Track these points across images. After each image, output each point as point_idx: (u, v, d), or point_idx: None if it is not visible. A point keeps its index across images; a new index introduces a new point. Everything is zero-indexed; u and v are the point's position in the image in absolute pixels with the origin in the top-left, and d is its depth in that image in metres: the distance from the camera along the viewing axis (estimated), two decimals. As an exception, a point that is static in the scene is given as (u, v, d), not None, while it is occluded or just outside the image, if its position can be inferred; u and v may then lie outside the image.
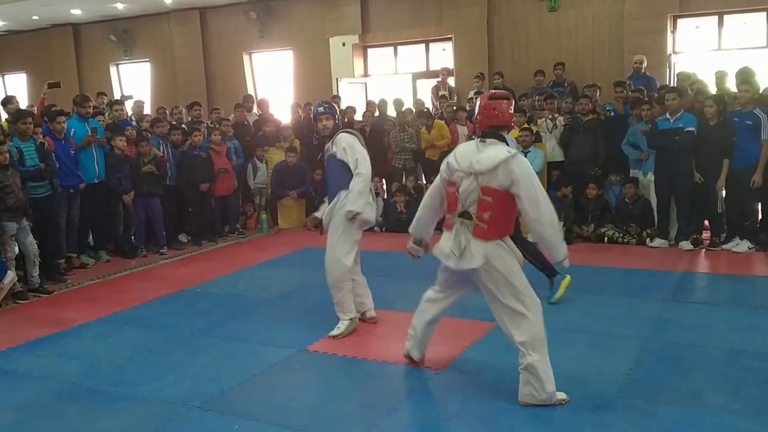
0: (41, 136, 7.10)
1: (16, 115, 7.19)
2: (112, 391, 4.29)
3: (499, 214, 3.72)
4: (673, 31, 10.90)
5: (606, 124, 8.47)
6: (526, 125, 8.59)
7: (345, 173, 5.10)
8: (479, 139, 3.86)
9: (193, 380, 4.40)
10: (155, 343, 5.20)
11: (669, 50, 10.83)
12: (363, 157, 5.09)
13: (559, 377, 4.16)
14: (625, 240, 7.92)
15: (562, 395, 3.83)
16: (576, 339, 4.87)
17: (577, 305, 5.63)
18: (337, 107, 5.83)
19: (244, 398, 4.12)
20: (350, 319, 5.17)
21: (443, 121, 9.68)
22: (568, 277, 5.65)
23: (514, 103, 3.96)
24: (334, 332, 5.10)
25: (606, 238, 7.99)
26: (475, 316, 5.33)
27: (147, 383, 4.39)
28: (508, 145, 3.94)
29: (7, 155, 6.30)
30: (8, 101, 8.61)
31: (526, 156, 8.28)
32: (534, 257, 5.52)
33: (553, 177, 8.41)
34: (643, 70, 9.86)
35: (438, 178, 4.10)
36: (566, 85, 10.45)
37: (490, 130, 3.83)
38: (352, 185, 5.04)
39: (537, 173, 8.22)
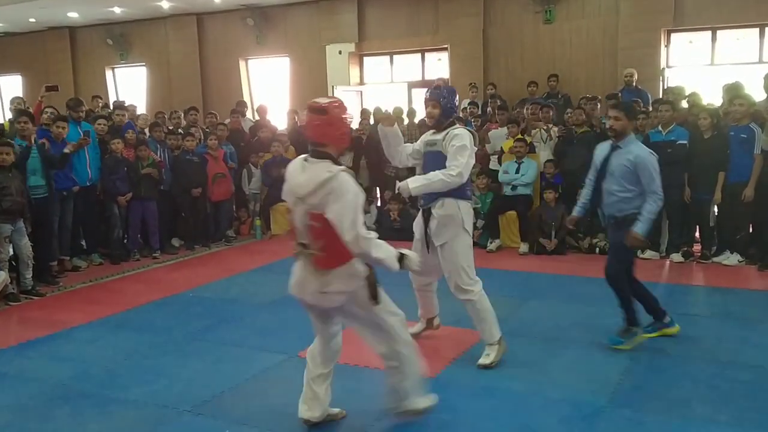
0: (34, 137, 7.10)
1: (15, 115, 7.22)
2: (104, 394, 4.29)
3: (332, 240, 3.25)
4: (666, 46, 11.01)
5: (601, 137, 8.51)
6: (520, 136, 8.65)
7: None
8: (306, 156, 3.45)
9: (184, 384, 4.41)
10: (147, 346, 5.20)
11: (662, 64, 10.93)
12: None
13: (549, 386, 4.20)
14: (616, 251, 7.96)
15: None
16: (566, 348, 4.91)
17: (568, 315, 5.67)
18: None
19: (235, 403, 4.13)
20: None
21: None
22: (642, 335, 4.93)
23: (342, 114, 3.41)
24: (485, 361, 4.62)
25: (597, 249, 8.02)
26: (466, 325, 5.33)
27: (138, 386, 4.40)
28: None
29: (11, 156, 6.31)
30: (15, 101, 8.66)
31: (519, 166, 8.37)
32: (646, 299, 4.99)
33: (547, 169, 8.46)
34: (634, 83, 9.95)
35: None
36: (560, 96, 10.53)
37: (312, 147, 3.42)
38: None
39: (530, 184, 8.40)
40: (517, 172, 8.41)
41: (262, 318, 5.87)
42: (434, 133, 4.68)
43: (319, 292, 3.43)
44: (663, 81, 10.93)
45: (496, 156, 9.03)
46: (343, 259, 3.34)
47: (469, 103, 10.97)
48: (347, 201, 3.21)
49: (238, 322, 5.76)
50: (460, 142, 4.46)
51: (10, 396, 4.32)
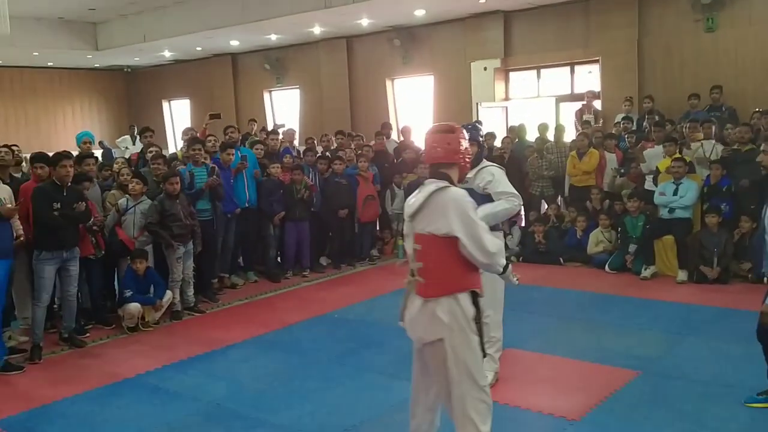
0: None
1: (189, 142, 7.92)
2: (253, 416, 4.51)
3: (434, 263, 3.18)
4: None
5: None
6: (678, 155, 8.11)
7: None
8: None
9: (327, 411, 4.54)
10: (294, 368, 5.41)
11: None
12: None
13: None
14: (787, 281, 7.21)
15: None
16: (729, 395, 4.49)
17: (733, 356, 5.20)
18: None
19: (374, 435, 4.18)
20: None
21: (596, 149, 9.28)
22: None
23: (464, 135, 3.36)
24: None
25: (767, 278, 7.29)
26: (617, 363, 5.10)
27: (285, 410, 4.58)
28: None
29: (177, 186, 6.87)
30: (186, 132, 9.48)
31: (677, 188, 7.83)
32: None
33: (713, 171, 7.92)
34: (809, 95, 9.00)
35: None
36: (723, 109, 9.75)
37: (433, 170, 3.33)
38: None
39: (689, 206, 7.81)
40: (675, 193, 7.87)
41: (402, 344, 5.80)
42: None
43: (420, 321, 3.23)
44: None
45: (652, 176, 8.52)
46: (447, 288, 3.18)
47: (623, 118, 10.46)
48: (471, 214, 3.13)
49: (378, 347, 5.83)
50: (499, 183, 4.46)
51: (171, 413, 4.66)
